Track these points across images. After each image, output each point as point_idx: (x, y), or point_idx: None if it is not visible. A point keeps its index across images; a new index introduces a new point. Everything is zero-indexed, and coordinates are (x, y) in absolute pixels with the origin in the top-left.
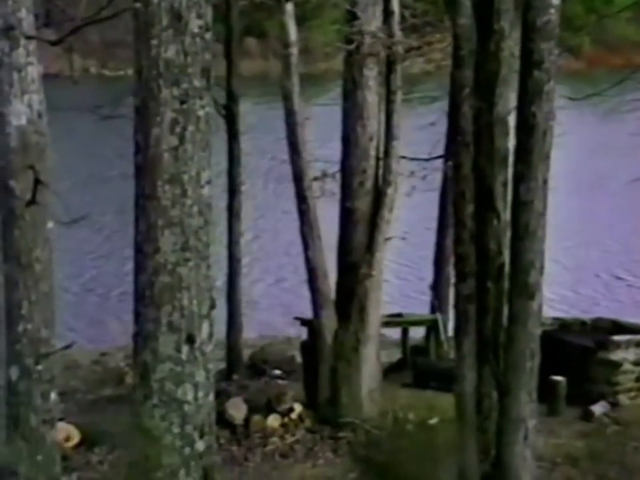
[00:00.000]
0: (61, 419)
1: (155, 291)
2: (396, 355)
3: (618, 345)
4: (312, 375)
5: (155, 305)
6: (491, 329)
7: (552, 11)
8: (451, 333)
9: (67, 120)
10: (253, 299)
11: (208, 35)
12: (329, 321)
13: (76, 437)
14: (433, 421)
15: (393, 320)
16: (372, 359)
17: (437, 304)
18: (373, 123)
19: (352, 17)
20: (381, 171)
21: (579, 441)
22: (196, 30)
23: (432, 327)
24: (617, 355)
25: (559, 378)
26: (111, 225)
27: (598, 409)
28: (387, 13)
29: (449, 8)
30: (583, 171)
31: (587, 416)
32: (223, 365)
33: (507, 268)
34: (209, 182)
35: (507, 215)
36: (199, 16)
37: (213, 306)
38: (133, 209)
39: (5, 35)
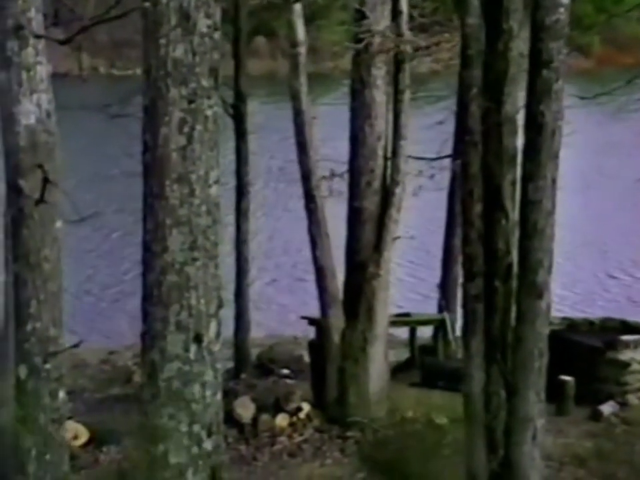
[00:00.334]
0: (69, 418)
1: (163, 290)
2: (404, 354)
3: (627, 345)
4: (320, 374)
5: (162, 304)
6: (499, 328)
7: (561, 10)
8: (458, 332)
9: (75, 119)
10: (261, 298)
11: (216, 35)
12: (337, 320)
13: (84, 436)
14: (441, 420)
15: (400, 319)
16: (380, 359)
17: (445, 303)
18: (381, 122)
19: (360, 16)
20: (388, 171)
21: (587, 440)
22: (204, 29)
23: (440, 327)
24: (625, 355)
25: (567, 378)
26: (119, 223)
27: (606, 408)
28: (396, 13)
29: (457, 7)
30: (588, 170)
31: (596, 416)
32: (230, 364)
33: (515, 267)
34: (217, 181)
35: (515, 214)
36: (208, 15)
37: (220, 305)
38: (141, 207)
39: (14, 34)
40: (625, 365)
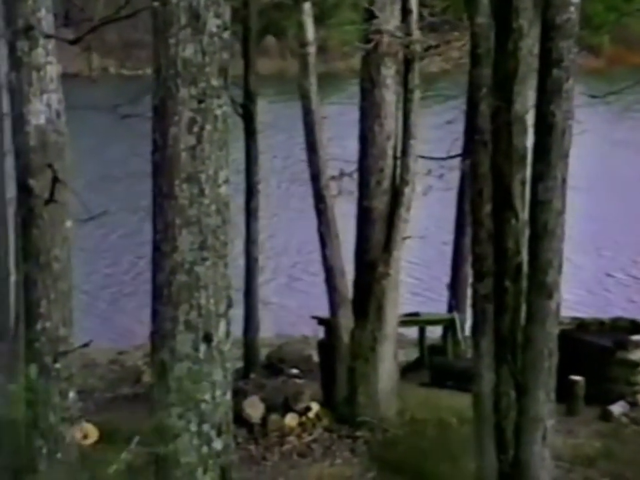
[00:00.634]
0: (79, 417)
1: (172, 290)
2: (413, 354)
3: (637, 345)
4: (329, 374)
5: (172, 303)
6: (508, 328)
7: (572, 9)
8: (468, 332)
9: (85, 119)
10: (270, 297)
11: (226, 34)
12: (347, 319)
13: (94, 435)
14: (451, 420)
15: (410, 319)
16: (389, 358)
17: (455, 303)
18: (391, 121)
19: (370, 15)
20: (398, 170)
21: (597, 441)
22: (214, 29)
23: (449, 326)
24: (636, 355)
25: (577, 378)
26: (128, 222)
27: (617, 409)
28: (405, 12)
29: (467, 6)
30: (596, 169)
31: (606, 416)
32: (240, 364)
33: (525, 267)
34: (226, 181)
35: (525, 214)
36: (217, 15)
37: (230, 305)
38: (151, 207)
39: (24, 34)
40: (636, 364)
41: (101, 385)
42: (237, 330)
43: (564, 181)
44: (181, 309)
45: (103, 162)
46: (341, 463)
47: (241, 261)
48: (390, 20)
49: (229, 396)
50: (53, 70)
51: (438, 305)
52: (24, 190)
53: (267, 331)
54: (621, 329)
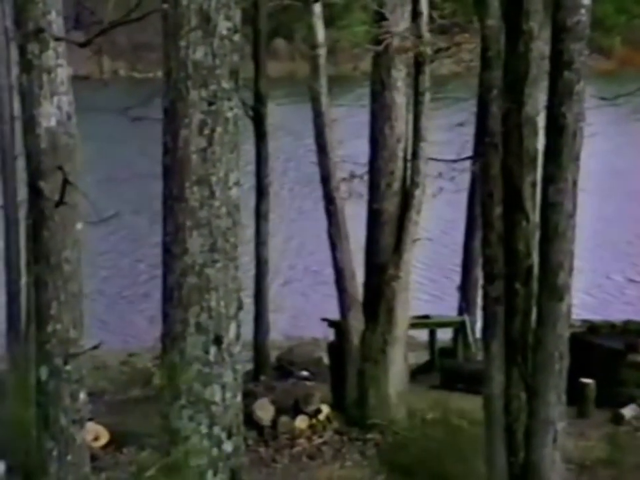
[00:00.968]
0: (89, 419)
1: (183, 292)
2: (423, 356)
3: None
4: (339, 376)
5: (182, 305)
6: (519, 330)
7: (582, 11)
8: (478, 334)
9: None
10: (280, 300)
11: (236, 37)
12: (357, 322)
13: (105, 437)
14: (461, 423)
15: (420, 321)
16: (399, 361)
17: (465, 305)
18: (401, 124)
19: (380, 17)
20: (408, 173)
21: (608, 443)
22: (224, 32)
23: (459, 329)
24: None
25: (588, 380)
26: (137, 224)
27: (628, 411)
28: (415, 14)
29: (477, 9)
30: (604, 171)
31: (617, 419)
32: (250, 366)
33: (535, 269)
34: (237, 183)
35: (535, 216)
36: (228, 18)
37: (240, 307)
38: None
39: (34, 37)
40: None
41: (112, 387)
42: (247, 332)
43: (575, 183)
44: (191, 311)
45: (114, 164)
46: (351, 466)
47: (252, 263)
48: (400, 22)
49: (239, 398)
50: (63, 72)
51: (448, 308)
52: (34, 192)
53: (277, 333)
54: (632, 331)
